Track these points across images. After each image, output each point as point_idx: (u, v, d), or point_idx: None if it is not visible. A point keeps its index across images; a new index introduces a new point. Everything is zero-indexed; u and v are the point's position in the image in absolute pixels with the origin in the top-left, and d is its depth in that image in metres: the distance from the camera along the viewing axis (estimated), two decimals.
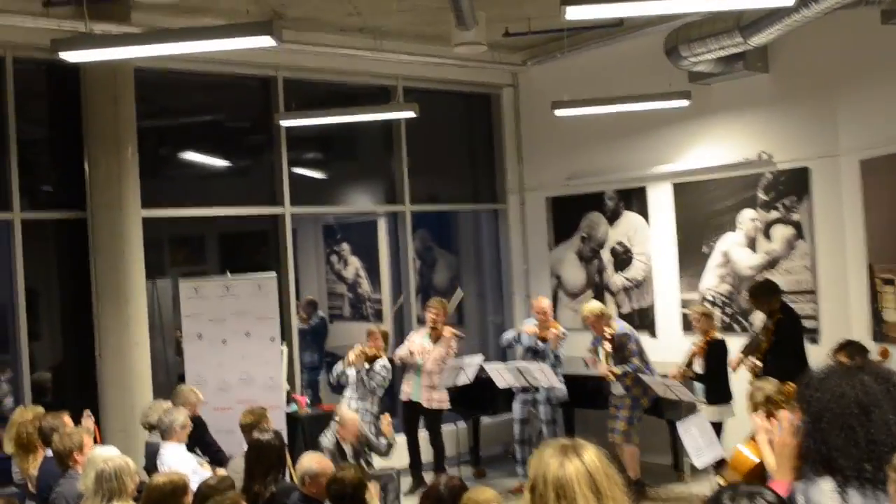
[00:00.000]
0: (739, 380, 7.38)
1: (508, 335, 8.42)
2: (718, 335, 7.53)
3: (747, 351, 7.15)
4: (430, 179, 10.19)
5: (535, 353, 8.11)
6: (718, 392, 7.36)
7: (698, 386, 7.42)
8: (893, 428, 2.18)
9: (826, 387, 2.25)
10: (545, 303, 8.30)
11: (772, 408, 5.20)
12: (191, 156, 8.77)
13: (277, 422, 7.06)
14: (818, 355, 6.97)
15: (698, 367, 7.41)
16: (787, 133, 7.91)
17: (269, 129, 8.76)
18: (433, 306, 8.27)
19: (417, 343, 8.27)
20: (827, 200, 7.64)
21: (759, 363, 6.91)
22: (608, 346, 7.63)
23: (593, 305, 7.92)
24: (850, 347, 5.78)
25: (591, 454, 2.23)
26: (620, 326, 7.87)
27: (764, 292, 7.19)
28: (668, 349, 8.50)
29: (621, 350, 7.66)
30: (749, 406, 5.51)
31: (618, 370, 7.57)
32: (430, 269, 10.51)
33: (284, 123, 8.37)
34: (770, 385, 5.51)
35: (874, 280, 7.21)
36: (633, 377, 7.63)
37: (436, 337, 8.20)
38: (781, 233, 7.96)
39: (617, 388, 7.74)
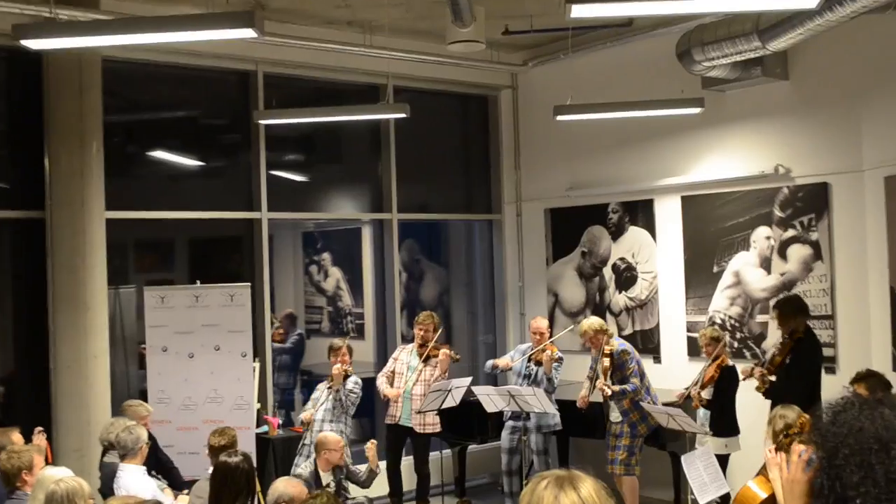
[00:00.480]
0: (748, 411, 7.34)
1: (488, 364, 8.41)
2: (730, 361, 7.47)
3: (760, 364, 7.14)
4: (420, 186, 10.19)
5: (527, 379, 8.04)
6: (725, 423, 7.30)
7: (702, 413, 7.37)
8: None
9: (843, 420, 2.16)
10: (542, 323, 8.26)
11: (784, 440, 5.15)
12: (161, 154, 8.70)
13: (247, 444, 7.00)
14: (834, 386, 6.93)
15: (706, 393, 7.35)
16: (806, 145, 7.88)
17: (247, 127, 8.72)
18: (423, 322, 8.18)
19: (404, 362, 8.18)
20: (848, 219, 7.60)
21: (769, 375, 6.87)
22: (606, 362, 7.58)
23: (593, 320, 7.90)
24: (871, 379, 5.73)
25: (589, 487, 2.17)
26: (620, 344, 7.84)
27: (792, 309, 7.14)
28: (673, 376, 8.44)
29: (621, 369, 7.62)
30: (768, 433, 5.46)
31: (614, 388, 7.50)
32: (418, 283, 10.47)
33: (263, 122, 8.35)
34: (793, 413, 5.45)
35: None
36: (632, 400, 7.57)
37: (424, 355, 8.11)
38: (798, 253, 7.92)
39: (614, 414, 7.68)
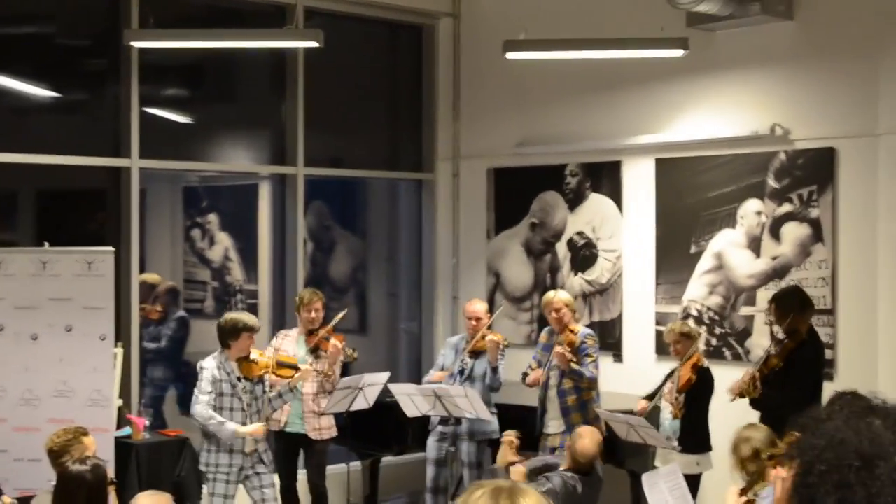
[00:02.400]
0: (721, 421, 7.37)
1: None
2: (705, 362, 7.51)
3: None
4: (334, 135, 10.16)
5: (461, 376, 8.04)
6: (697, 436, 7.38)
7: (668, 425, 7.42)
8: None
9: (824, 431, 2.19)
10: (480, 306, 8.26)
11: (768, 462, 5.19)
12: (3, 81, 8.52)
13: (104, 449, 6.87)
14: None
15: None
16: (810, 102, 7.94)
17: (116, 51, 8.55)
18: (310, 303, 8.10)
19: (289, 354, 8.07)
20: (856, 193, 7.67)
21: (758, 382, 6.92)
22: (572, 336, 7.73)
23: (566, 294, 8.06)
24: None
25: (532, 502, 2.20)
26: (585, 330, 7.94)
27: (795, 303, 7.19)
28: (638, 378, 8.46)
29: (580, 354, 7.73)
30: (733, 462, 5.51)
31: (574, 364, 7.64)
32: (327, 255, 10.43)
33: (137, 44, 8.21)
34: (759, 433, 5.52)
35: None
36: (580, 398, 7.67)
37: (314, 345, 8.02)
38: (794, 233, 7.98)
39: (554, 424, 7.76)
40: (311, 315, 8.08)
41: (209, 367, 7.28)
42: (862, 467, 2.10)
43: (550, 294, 8.08)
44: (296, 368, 7.54)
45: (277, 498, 7.52)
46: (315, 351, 8.00)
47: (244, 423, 7.22)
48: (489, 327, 8.15)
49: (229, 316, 7.51)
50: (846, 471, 2.11)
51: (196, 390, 7.30)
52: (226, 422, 7.15)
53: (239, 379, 7.30)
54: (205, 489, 7.49)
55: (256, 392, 7.39)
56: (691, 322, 8.27)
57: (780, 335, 7.18)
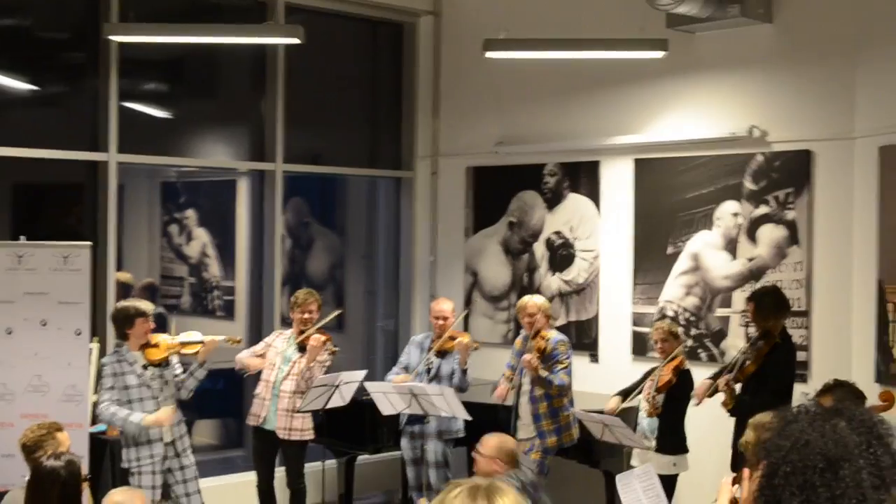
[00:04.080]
0: (695, 423, 7.40)
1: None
2: (687, 364, 7.52)
3: (721, 375, 7.16)
4: (313, 132, 10.15)
5: (427, 375, 8.04)
6: (674, 437, 7.37)
7: (645, 424, 7.44)
8: (868, 492, 2.12)
9: (790, 432, 2.22)
10: (446, 305, 8.21)
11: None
12: None
13: (78, 445, 6.85)
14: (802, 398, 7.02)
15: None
16: (788, 104, 7.97)
17: (95, 44, 8.54)
18: (304, 303, 8.06)
19: (278, 350, 8.06)
20: (832, 196, 7.70)
21: (735, 387, 6.95)
22: (541, 343, 7.68)
23: (541, 298, 8.02)
24: (840, 390, 5.83)
25: (510, 501, 2.22)
26: (559, 335, 7.90)
27: (773, 304, 7.21)
28: (614, 378, 8.46)
29: (552, 359, 7.69)
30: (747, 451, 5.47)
31: (542, 371, 7.59)
32: (305, 252, 10.42)
33: (116, 38, 8.18)
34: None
35: (885, 304, 7.30)
36: (550, 405, 7.67)
37: (300, 342, 8.01)
38: (770, 234, 8.01)
39: (525, 430, 7.75)
40: (303, 316, 8.02)
41: (108, 362, 7.14)
42: (826, 469, 2.13)
43: (525, 298, 8.03)
44: (201, 343, 7.37)
45: (200, 491, 7.37)
46: (303, 349, 7.98)
47: (156, 411, 7.11)
48: (465, 328, 8.15)
49: (120, 304, 7.40)
50: (811, 473, 2.13)
51: (99, 390, 7.19)
52: (131, 413, 7.00)
53: (145, 367, 7.16)
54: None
55: (167, 376, 7.26)
56: (667, 321, 8.29)
57: (756, 338, 7.20)
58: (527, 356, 7.64)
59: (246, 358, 8.07)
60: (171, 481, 7.20)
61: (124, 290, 9.54)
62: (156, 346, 7.24)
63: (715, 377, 7.21)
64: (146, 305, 7.33)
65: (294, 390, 7.89)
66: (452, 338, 8.03)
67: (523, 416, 7.82)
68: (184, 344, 7.37)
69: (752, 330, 7.46)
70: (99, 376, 7.22)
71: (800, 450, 2.16)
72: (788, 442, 2.18)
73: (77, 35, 8.85)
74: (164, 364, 7.25)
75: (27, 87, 8.77)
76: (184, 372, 7.39)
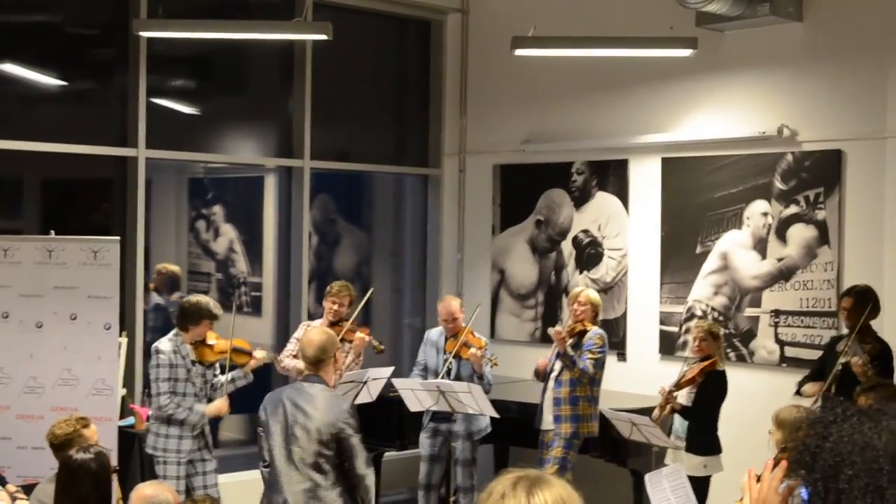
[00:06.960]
0: (731, 424, 7.37)
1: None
2: (722, 365, 7.43)
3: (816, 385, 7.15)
4: (340, 129, 10.14)
5: (448, 376, 7.93)
6: (706, 438, 7.34)
7: (678, 424, 7.41)
8: None
9: (841, 434, 2.19)
10: (454, 304, 8.12)
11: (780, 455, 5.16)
12: (10, 69, 8.53)
13: (107, 438, 6.90)
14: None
15: (683, 398, 7.36)
16: (818, 103, 7.96)
17: (124, 40, 8.57)
18: (337, 294, 8.06)
19: None
20: (863, 196, 7.69)
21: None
22: (578, 327, 7.67)
23: (594, 293, 7.96)
24: (884, 390, 5.79)
25: (559, 492, 2.23)
26: (598, 330, 7.84)
27: (872, 301, 7.16)
28: (641, 377, 8.48)
29: (584, 348, 7.65)
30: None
31: (570, 349, 7.58)
32: (332, 249, 10.41)
33: (146, 34, 8.19)
34: (790, 418, 5.41)
35: None
36: (571, 393, 7.60)
37: (341, 336, 7.99)
38: (800, 235, 8.01)
39: (548, 418, 7.72)
40: (334, 306, 8.01)
41: (166, 350, 7.09)
42: (892, 470, 2.11)
43: (581, 287, 8.07)
44: (251, 355, 7.39)
45: (217, 484, 7.34)
46: (342, 342, 7.98)
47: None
48: (492, 326, 8.11)
49: (194, 299, 7.36)
50: (877, 476, 2.11)
51: (153, 378, 7.12)
52: (193, 406, 7.05)
53: (193, 363, 7.17)
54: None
55: (207, 376, 7.29)
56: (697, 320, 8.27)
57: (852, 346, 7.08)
58: (558, 327, 7.66)
59: (290, 363, 7.99)
60: (192, 472, 7.22)
61: (171, 282, 9.58)
62: (210, 346, 7.21)
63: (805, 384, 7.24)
64: (218, 310, 7.28)
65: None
66: (466, 344, 7.96)
67: (546, 401, 7.79)
68: (235, 352, 7.32)
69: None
70: (155, 365, 7.09)
71: (861, 451, 2.14)
72: (846, 445, 2.16)
73: (106, 31, 8.86)
74: (208, 365, 7.28)
75: (57, 82, 8.82)
76: (222, 372, 7.37)
